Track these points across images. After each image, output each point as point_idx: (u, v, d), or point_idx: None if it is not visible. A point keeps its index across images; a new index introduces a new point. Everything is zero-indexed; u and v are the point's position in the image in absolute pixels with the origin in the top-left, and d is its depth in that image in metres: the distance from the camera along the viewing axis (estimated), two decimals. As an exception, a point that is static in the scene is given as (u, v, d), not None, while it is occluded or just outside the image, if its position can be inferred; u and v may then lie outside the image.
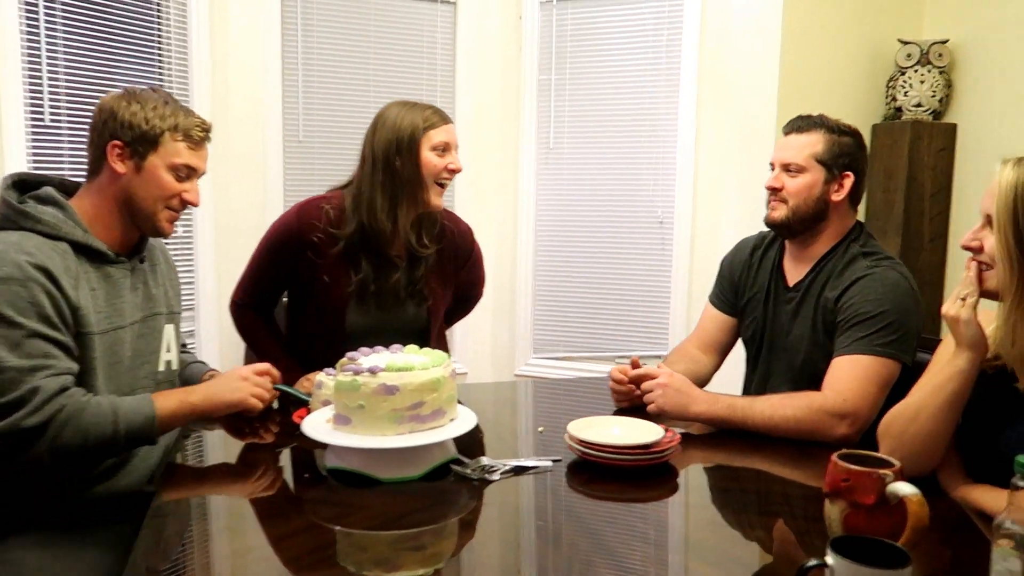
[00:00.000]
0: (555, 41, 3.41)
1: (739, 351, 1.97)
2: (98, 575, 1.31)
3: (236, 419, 1.59)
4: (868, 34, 3.05)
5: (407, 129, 1.81)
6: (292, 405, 1.64)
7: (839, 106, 3.00)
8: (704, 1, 3.14)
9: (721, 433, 1.61)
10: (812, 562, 0.87)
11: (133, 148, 1.43)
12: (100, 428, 1.33)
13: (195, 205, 1.52)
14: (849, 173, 1.73)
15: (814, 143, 1.73)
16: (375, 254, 1.86)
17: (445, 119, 1.86)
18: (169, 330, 1.61)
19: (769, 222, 1.79)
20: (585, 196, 3.45)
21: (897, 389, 1.59)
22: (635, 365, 1.71)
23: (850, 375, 1.57)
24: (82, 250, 1.41)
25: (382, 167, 1.82)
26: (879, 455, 1.07)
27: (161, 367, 1.58)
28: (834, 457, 1.05)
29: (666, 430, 1.46)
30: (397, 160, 1.81)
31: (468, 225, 2.06)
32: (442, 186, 1.86)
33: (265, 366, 1.60)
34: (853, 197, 1.76)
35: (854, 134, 1.76)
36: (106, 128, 1.43)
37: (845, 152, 1.73)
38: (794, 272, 1.81)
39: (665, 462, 1.41)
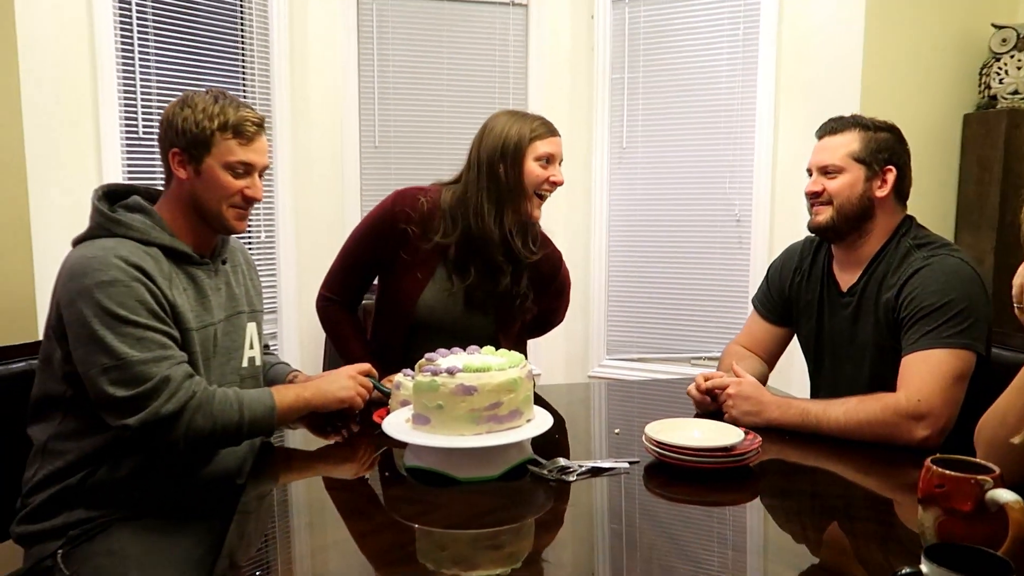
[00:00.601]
0: (628, 40, 3.38)
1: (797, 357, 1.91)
2: (189, 567, 1.36)
3: (318, 417, 1.63)
4: (958, 19, 2.91)
5: (513, 137, 1.84)
6: (372, 405, 1.67)
7: (928, 97, 2.88)
8: (782, -7, 3.06)
9: (801, 434, 1.56)
10: (906, 570, 0.84)
11: (189, 153, 1.46)
12: (227, 415, 1.41)
13: (258, 200, 1.53)
14: (891, 167, 1.67)
15: (849, 142, 1.68)
16: (483, 259, 1.88)
17: (552, 131, 1.88)
18: (251, 327, 1.66)
19: (814, 227, 1.73)
20: (659, 195, 3.41)
21: (978, 384, 1.53)
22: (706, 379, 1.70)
23: (922, 373, 1.50)
24: (170, 253, 1.46)
25: (487, 173, 1.84)
26: (977, 460, 1.02)
27: (245, 363, 1.63)
28: (928, 462, 1.00)
29: (746, 432, 1.43)
30: (500, 167, 1.83)
31: (558, 250, 2.09)
32: (541, 198, 1.88)
33: (366, 366, 1.66)
34: (899, 192, 1.70)
35: (891, 129, 1.71)
36: (167, 137, 1.48)
37: (884, 147, 1.67)
38: (846, 277, 1.74)
39: (744, 465, 1.38)
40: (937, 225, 2.85)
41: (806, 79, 3.04)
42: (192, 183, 1.48)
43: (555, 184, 1.87)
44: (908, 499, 1.26)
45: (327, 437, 1.62)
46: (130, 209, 1.48)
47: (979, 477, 0.95)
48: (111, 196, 1.51)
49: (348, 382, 1.59)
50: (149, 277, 1.38)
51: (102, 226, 1.43)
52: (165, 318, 1.40)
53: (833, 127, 1.72)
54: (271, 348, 1.94)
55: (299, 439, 1.65)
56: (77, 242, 1.44)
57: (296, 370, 1.79)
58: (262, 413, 1.45)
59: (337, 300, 1.97)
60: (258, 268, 1.78)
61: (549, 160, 1.86)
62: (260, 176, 1.53)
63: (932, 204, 2.88)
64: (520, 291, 1.93)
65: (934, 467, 0.99)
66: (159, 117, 2.66)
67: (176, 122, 1.46)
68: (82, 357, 1.36)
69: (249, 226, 2.99)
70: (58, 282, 1.41)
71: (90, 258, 1.37)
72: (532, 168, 1.84)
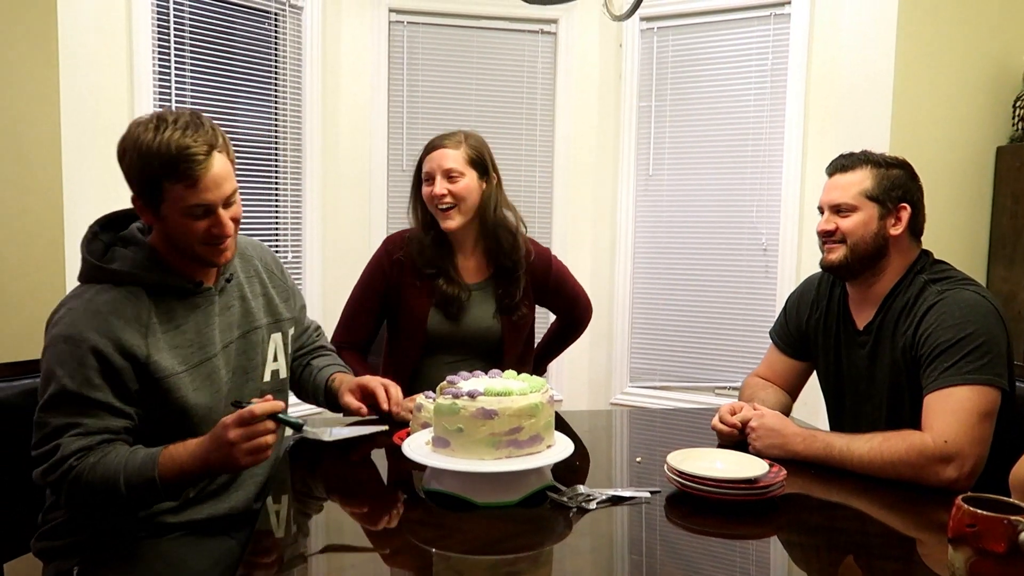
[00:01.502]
0: (655, 67, 3.39)
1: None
2: None
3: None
4: (991, 50, 2.89)
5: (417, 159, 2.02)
6: (394, 426, 1.66)
7: (960, 129, 2.85)
8: (812, 23, 3.07)
9: (826, 467, 1.53)
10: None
11: (144, 199, 1.37)
12: (104, 487, 1.30)
13: (227, 235, 1.40)
14: (905, 205, 1.64)
15: (861, 180, 1.65)
16: (443, 270, 1.99)
17: (434, 146, 1.97)
18: (276, 339, 1.59)
19: (826, 265, 1.69)
20: (685, 222, 3.40)
21: (1004, 421, 1.49)
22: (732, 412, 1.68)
23: (945, 412, 1.46)
24: (160, 290, 1.40)
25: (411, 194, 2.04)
26: (1009, 500, 0.99)
27: (267, 377, 1.57)
28: (959, 500, 0.98)
29: (771, 465, 1.41)
30: (413, 189, 2.02)
31: (545, 248, 2.15)
32: (444, 210, 1.94)
33: (247, 411, 1.29)
34: (913, 229, 1.66)
35: (903, 165, 1.68)
36: (125, 176, 1.38)
37: (897, 184, 1.64)
38: (861, 314, 1.71)
39: (768, 498, 1.35)
40: (970, 259, 2.81)
41: (835, 108, 3.03)
42: (161, 226, 1.40)
43: (436, 198, 1.93)
44: (933, 538, 1.24)
45: (350, 456, 1.61)
46: (125, 243, 1.43)
47: (1013, 518, 0.93)
48: (111, 225, 1.48)
49: (229, 453, 1.28)
50: (109, 333, 1.32)
51: (86, 273, 1.40)
52: (101, 384, 1.32)
53: (844, 164, 1.69)
54: (324, 348, 1.85)
55: (320, 458, 1.65)
56: (79, 278, 1.42)
57: (340, 370, 1.76)
58: (140, 484, 1.30)
59: (348, 344, 2.04)
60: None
61: (429, 178, 1.95)
62: (228, 204, 1.39)
63: (964, 238, 2.84)
64: (516, 298, 2.01)
65: (965, 506, 0.96)
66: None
67: (126, 167, 1.36)
68: None
69: (276, 247, 3.04)
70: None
71: (67, 310, 1.36)
72: (424, 190, 1.97)
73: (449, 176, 1.93)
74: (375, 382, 1.70)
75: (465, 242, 2.02)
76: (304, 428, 1.37)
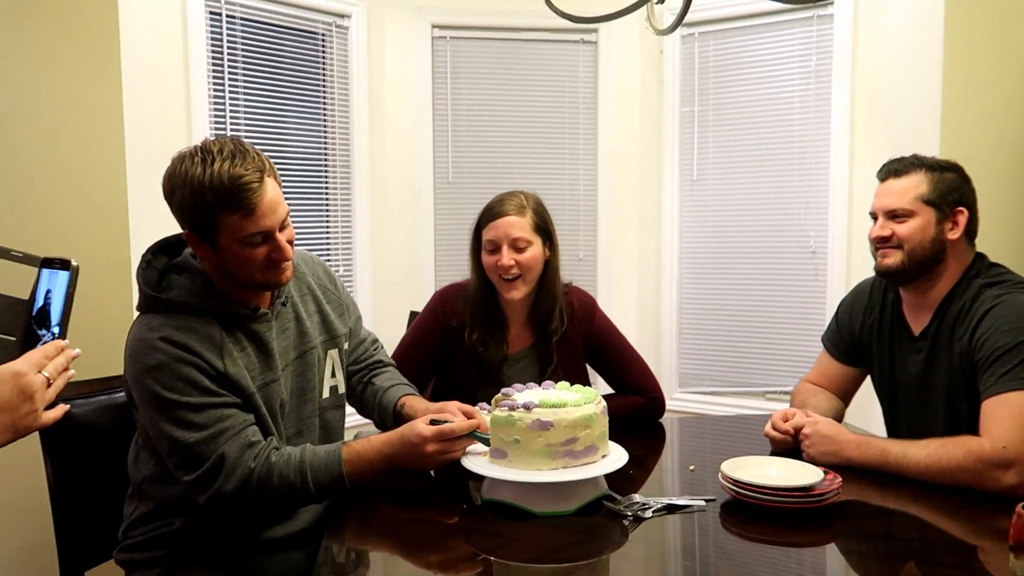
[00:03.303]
0: (697, 73, 3.39)
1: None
2: None
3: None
4: (1043, 46, 2.83)
5: (476, 224, 1.91)
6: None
7: (1011, 129, 2.79)
8: (855, 24, 3.03)
9: (881, 474, 1.53)
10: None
11: (199, 235, 1.37)
12: (291, 490, 1.37)
13: (287, 259, 1.41)
14: (962, 209, 1.63)
15: (917, 184, 1.64)
16: (494, 344, 1.91)
17: (497, 213, 1.85)
18: (332, 355, 1.61)
19: (882, 270, 1.69)
20: (731, 227, 3.39)
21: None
22: (785, 419, 1.68)
23: (1004, 417, 1.45)
24: (223, 317, 1.41)
25: (471, 259, 1.94)
26: (1071, 508, 0.99)
27: (326, 393, 1.60)
28: (1020, 507, 0.98)
29: (825, 472, 1.41)
30: (471, 255, 1.93)
31: (588, 300, 2.01)
32: (508, 280, 1.85)
33: (448, 428, 1.42)
34: (969, 233, 1.65)
35: (956, 168, 1.66)
36: (175, 215, 1.38)
37: (952, 188, 1.63)
38: (916, 320, 1.70)
39: (823, 505, 1.36)
40: (1019, 261, 2.75)
41: (882, 109, 2.99)
42: (217, 258, 1.40)
43: (504, 268, 1.83)
44: (994, 545, 1.23)
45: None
46: (179, 270, 1.45)
47: (1073, 526, 0.93)
48: (166, 249, 1.49)
49: (425, 458, 1.42)
50: (195, 353, 1.35)
51: (146, 303, 1.41)
52: (218, 390, 1.36)
53: (897, 169, 1.68)
54: (383, 364, 1.82)
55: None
56: (139, 308, 1.43)
57: (410, 392, 1.73)
58: (328, 482, 1.40)
59: None
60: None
61: (494, 248, 1.85)
62: (283, 227, 1.40)
63: (1018, 239, 2.78)
64: (556, 358, 1.92)
65: (1025, 514, 0.97)
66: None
67: (176, 203, 1.35)
68: (153, 438, 1.39)
69: (328, 261, 3.12)
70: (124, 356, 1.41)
71: (140, 340, 1.37)
72: (485, 258, 1.88)
73: (516, 246, 1.83)
74: (453, 407, 1.60)
75: (521, 312, 1.95)
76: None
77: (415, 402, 1.68)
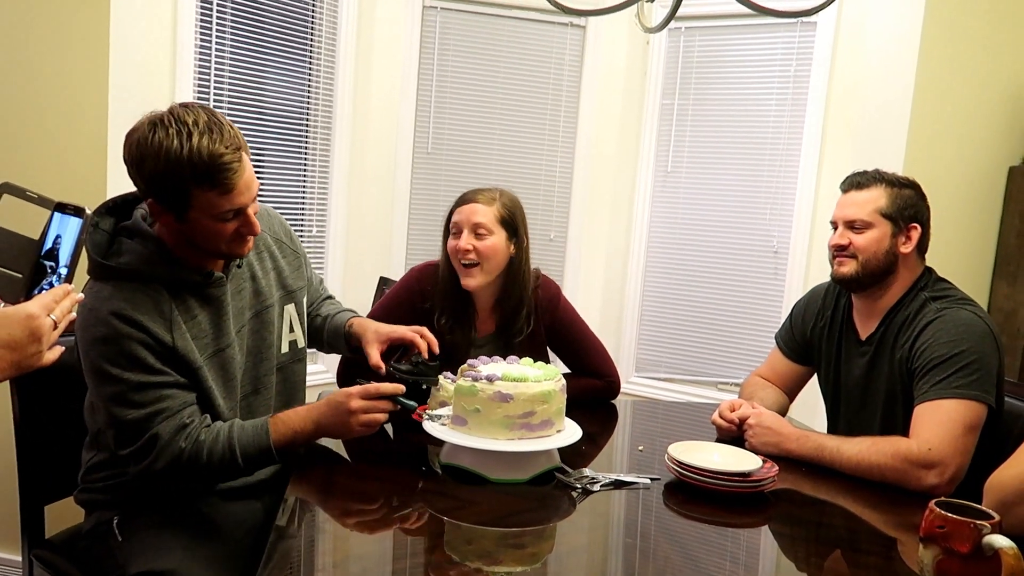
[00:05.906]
0: (681, 67, 3.45)
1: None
2: (234, 547, 1.45)
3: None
4: (1009, 72, 2.94)
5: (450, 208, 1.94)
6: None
7: (973, 149, 2.91)
8: (836, 35, 3.12)
9: (816, 466, 1.62)
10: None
11: (166, 205, 1.33)
12: (222, 464, 1.39)
13: (255, 234, 1.41)
14: (916, 225, 1.73)
15: (876, 198, 1.73)
16: (460, 323, 1.95)
17: (467, 199, 1.90)
18: (289, 310, 1.60)
19: (837, 277, 1.78)
20: (699, 220, 3.47)
21: (989, 435, 1.58)
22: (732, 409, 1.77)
23: (932, 422, 1.55)
24: (174, 284, 1.39)
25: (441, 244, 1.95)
26: (978, 506, 1.08)
27: (285, 349, 1.59)
28: (932, 503, 1.07)
29: (764, 461, 1.50)
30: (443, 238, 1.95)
31: (551, 288, 2.03)
32: (466, 267, 1.87)
33: (373, 387, 1.44)
34: (920, 248, 1.75)
35: (914, 185, 1.76)
36: (136, 182, 1.34)
37: (909, 204, 1.73)
38: (864, 325, 1.80)
39: (759, 491, 1.45)
40: (973, 275, 2.88)
41: (854, 120, 3.09)
42: (181, 227, 1.37)
43: (460, 252, 1.86)
44: (911, 538, 1.32)
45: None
46: (131, 234, 1.40)
47: (978, 522, 1.02)
48: (115, 211, 1.44)
49: (347, 421, 1.41)
50: (143, 329, 1.33)
51: (95, 270, 1.37)
52: (162, 368, 1.35)
53: (859, 182, 1.77)
54: (331, 300, 1.85)
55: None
56: (89, 273, 1.39)
57: (355, 316, 1.75)
58: (255, 453, 1.40)
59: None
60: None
61: (457, 231, 1.89)
62: (253, 201, 1.39)
63: (970, 253, 2.90)
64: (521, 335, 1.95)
65: (937, 509, 1.06)
66: (228, 116, 2.78)
67: (144, 172, 1.30)
68: (95, 405, 1.42)
69: (302, 219, 3.14)
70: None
71: (89, 311, 1.35)
72: (449, 242, 1.91)
73: (477, 232, 1.86)
74: (409, 333, 1.66)
75: (486, 302, 1.97)
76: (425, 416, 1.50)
77: (363, 321, 1.72)
